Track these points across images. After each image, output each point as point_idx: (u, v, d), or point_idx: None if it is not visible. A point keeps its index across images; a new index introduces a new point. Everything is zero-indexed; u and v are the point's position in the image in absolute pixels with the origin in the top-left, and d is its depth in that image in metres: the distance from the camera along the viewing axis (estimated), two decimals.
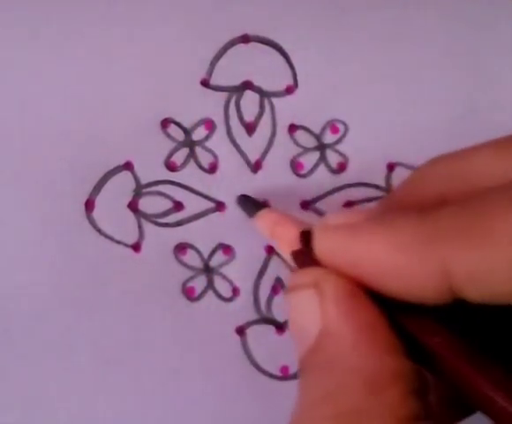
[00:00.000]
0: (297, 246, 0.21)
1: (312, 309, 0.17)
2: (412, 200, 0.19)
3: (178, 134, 0.28)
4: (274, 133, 0.29)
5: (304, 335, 0.18)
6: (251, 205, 0.28)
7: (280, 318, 0.29)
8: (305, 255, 0.20)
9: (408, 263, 0.16)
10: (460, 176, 0.18)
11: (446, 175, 0.19)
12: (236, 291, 0.29)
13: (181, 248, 0.28)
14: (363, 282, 0.17)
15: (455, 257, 0.15)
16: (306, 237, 0.19)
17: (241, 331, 0.28)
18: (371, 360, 0.16)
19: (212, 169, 0.29)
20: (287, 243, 0.22)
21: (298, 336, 0.18)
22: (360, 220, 0.18)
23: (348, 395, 0.16)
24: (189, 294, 0.28)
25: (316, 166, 0.29)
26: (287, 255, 0.22)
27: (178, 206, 0.28)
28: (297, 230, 0.22)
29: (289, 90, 0.29)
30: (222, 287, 0.29)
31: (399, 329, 0.17)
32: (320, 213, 0.29)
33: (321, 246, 0.18)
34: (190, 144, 0.28)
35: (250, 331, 0.28)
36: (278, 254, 0.28)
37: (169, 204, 0.28)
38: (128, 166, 0.28)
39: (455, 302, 0.16)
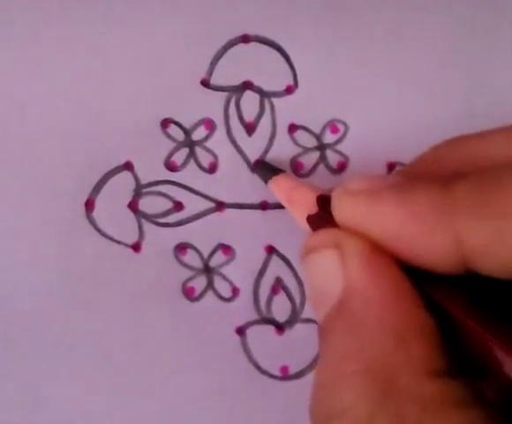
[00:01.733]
0: (313, 210, 0.21)
1: (333, 269, 0.17)
2: (428, 175, 0.19)
3: (178, 134, 0.28)
4: (274, 133, 0.29)
5: (325, 296, 0.18)
6: (266, 170, 0.27)
7: (280, 318, 0.29)
8: (322, 220, 0.20)
9: (422, 232, 0.16)
10: (475, 158, 0.19)
11: (462, 155, 0.19)
12: (236, 292, 0.29)
13: (181, 248, 0.28)
14: (383, 247, 0.17)
15: (467, 228, 0.15)
16: (324, 202, 0.19)
17: (241, 331, 0.28)
18: (398, 314, 0.16)
19: (212, 169, 0.29)
20: (303, 207, 0.22)
21: (318, 299, 0.18)
22: (379, 187, 0.18)
23: (377, 349, 0.16)
24: (189, 294, 0.28)
25: (316, 166, 0.29)
26: (303, 220, 0.22)
27: (178, 206, 0.28)
28: (314, 195, 0.22)
29: (290, 90, 0.29)
30: (222, 287, 0.29)
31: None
32: None
33: (340, 211, 0.18)
34: (190, 144, 0.28)
35: (250, 331, 0.28)
36: (279, 253, 0.29)
37: (169, 204, 0.28)
38: (128, 166, 0.28)
39: (469, 275, 0.16)
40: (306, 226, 0.21)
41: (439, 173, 0.19)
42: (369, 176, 0.19)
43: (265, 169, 0.28)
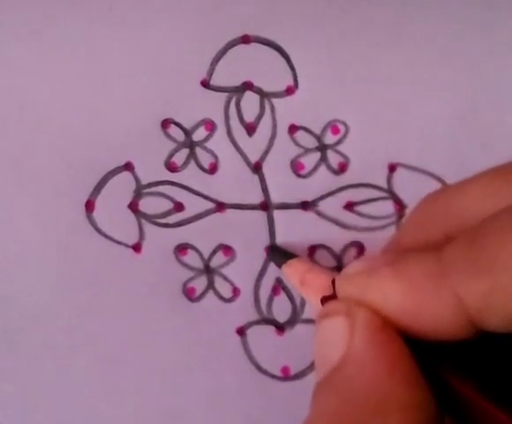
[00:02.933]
0: (327, 292, 0.21)
1: (339, 334, 0.18)
2: (417, 243, 0.20)
3: (179, 135, 0.28)
4: (274, 134, 0.29)
5: (328, 358, 0.18)
6: (280, 255, 0.28)
7: (280, 318, 0.29)
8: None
9: (422, 300, 0.17)
10: (456, 213, 0.19)
11: (443, 214, 0.20)
12: (236, 292, 0.29)
13: (181, 249, 0.28)
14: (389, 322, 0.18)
15: (464, 285, 0.16)
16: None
17: (241, 332, 0.28)
18: (385, 386, 0.16)
19: (212, 169, 0.29)
20: (317, 290, 0.23)
21: (321, 360, 0.18)
22: (375, 265, 0.18)
23: (352, 412, 0.16)
24: (189, 295, 0.28)
25: (317, 167, 0.29)
26: (317, 301, 0.23)
27: (179, 206, 0.28)
28: (328, 277, 0.23)
29: (290, 91, 0.29)
30: (223, 288, 0.29)
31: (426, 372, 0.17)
32: (320, 214, 0.29)
33: (342, 293, 0.19)
34: (190, 145, 0.28)
35: (250, 332, 0.28)
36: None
37: (169, 205, 0.28)
38: (128, 167, 0.28)
39: (484, 336, 0.16)
40: (319, 307, 0.22)
41: (427, 238, 0.20)
42: (365, 257, 0.19)
43: (278, 253, 0.28)
